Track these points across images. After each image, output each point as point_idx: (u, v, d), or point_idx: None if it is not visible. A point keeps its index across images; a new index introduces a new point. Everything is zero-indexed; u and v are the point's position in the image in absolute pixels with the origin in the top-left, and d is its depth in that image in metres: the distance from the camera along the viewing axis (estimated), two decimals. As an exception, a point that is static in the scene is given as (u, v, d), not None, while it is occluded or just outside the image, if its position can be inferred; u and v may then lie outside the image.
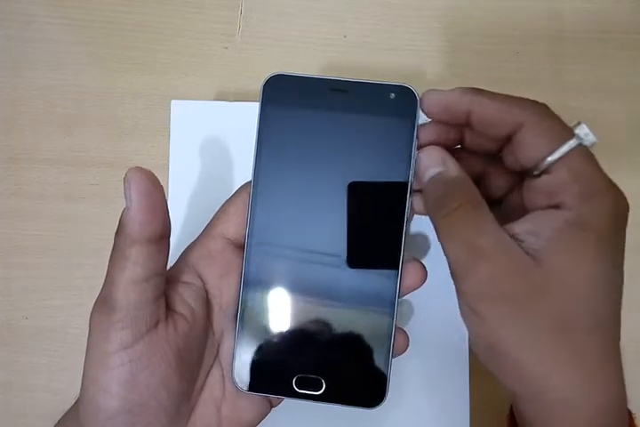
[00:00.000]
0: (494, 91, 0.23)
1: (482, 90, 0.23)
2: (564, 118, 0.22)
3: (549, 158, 0.22)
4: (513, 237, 0.22)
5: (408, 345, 0.26)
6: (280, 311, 0.26)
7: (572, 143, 0.22)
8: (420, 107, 0.24)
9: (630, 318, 0.34)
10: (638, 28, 0.35)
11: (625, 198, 0.22)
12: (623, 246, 0.22)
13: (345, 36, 0.36)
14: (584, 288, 0.21)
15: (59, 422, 0.26)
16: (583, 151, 0.22)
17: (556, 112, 0.23)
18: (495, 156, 0.25)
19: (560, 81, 0.35)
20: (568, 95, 0.35)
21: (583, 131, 0.22)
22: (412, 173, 0.25)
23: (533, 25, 0.36)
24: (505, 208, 0.26)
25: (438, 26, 0.36)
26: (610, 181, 0.22)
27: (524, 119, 0.22)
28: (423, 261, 0.26)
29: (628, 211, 0.22)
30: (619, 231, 0.22)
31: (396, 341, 0.25)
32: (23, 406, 0.34)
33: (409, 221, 0.26)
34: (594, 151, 0.22)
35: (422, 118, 0.25)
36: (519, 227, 0.22)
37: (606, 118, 0.35)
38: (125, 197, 0.22)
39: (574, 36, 0.35)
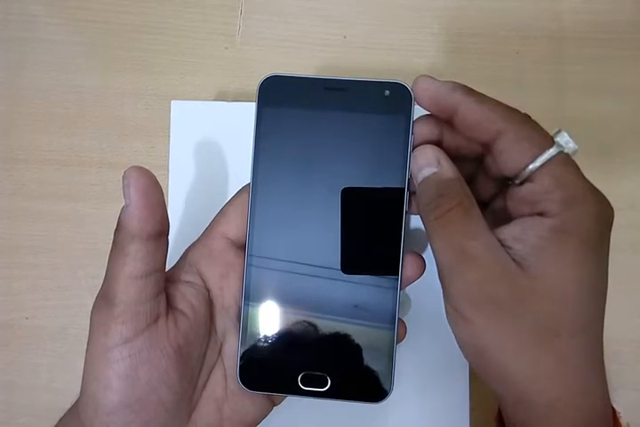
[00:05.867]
0: (494, 91, 0.24)
1: (472, 91, 0.23)
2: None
3: (530, 166, 0.22)
4: (500, 242, 0.22)
5: (405, 333, 0.27)
6: (283, 309, 0.26)
7: (552, 151, 0.22)
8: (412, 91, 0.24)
9: (630, 318, 0.34)
10: (638, 28, 0.35)
11: (609, 204, 0.22)
12: (607, 251, 0.22)
13: (345, 37, 0.36)
14: (569, 293, 0.21)
15: (59, 421, 0.26)
16: (564, 159, 0.22)
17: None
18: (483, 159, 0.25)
19: (560, 81, 0.35)
20: (568, 95, 0.35)
21: (564, 139, 0.22)
22: (408, 170, 0.25)
23: (533, 25, 0.36)
24: (492, 211, 0.26)
25: (438, 26, 0.36)
26: (592, 187, 0.22)
27: (504, 127, 0.22)
28: (422, 255, 0.26)
29: (612, 216, 0.22)
30: (603, 236, 0.22)
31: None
32: (23, 406, 0.34)
33: (407, 218, 0.26)
34: (584, 155, 0.22)
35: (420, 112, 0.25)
36: (505, 233, 0.22)
37: (606, 118, 0.35)
38: (124, 195, 0.22)
39: (574, 36, 0.35)
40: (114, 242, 0.23)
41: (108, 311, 0.22)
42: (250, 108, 0.26)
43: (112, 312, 0.22)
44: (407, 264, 0.26)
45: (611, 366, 0.32)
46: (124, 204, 0.22)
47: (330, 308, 0.25)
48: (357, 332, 0.25)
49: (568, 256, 0.21)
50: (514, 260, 0.22)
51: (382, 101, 0.25)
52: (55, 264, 0.35)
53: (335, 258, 0.25)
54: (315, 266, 0.26)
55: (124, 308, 0.22)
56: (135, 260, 0.22)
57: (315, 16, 0.36)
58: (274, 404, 0.27)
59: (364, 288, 0.25)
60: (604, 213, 0.22)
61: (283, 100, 0.25)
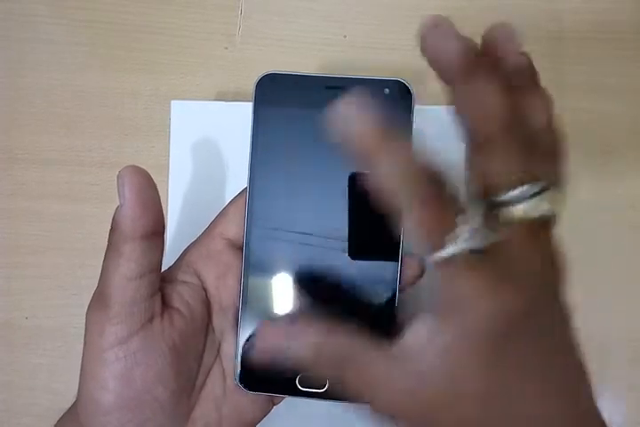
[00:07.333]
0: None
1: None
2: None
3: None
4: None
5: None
6: (280, 310, 0.26)
7: (449, 250, 0.18)
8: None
9: (630, 318, 0.34)
10: (638, 28, 0.35)
11: (513, 297, 0.18)
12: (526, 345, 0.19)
13: (345, 37, 0.36)
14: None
15: (58, 421, 0.27)
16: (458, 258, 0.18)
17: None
18: None
19: (560, 81, 0.35)
20: (568, 95, 0.35)
21: (463, 235, 0.17)
22: None
23: (533, 25, 0.35)
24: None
25: (438, 26, 0.36)
26: (485, 285, 0.18)
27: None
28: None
29: (522, 307, 0.18)
30: (506, 335, 0.18)
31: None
32: (23, 406, 0.34)
33: None
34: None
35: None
36: (402, 348, 0.20)
37: (606, 118, 0.35)
38: (119, 195, 0.22)
39: (574, 36, 0.35)
40: (108, 242, 0.23)
41: (102, 312, 0.22)
42: (250, 108, 0.26)
43: (107, 313, 0.22)
44: (407, 264, 0.26)
45: (610, 367, 0.32)
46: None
47: (327, 309, 0.25)
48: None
49: (469, 360, 0.18)
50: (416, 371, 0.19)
51: (382, 100, 0.25)
52: (55, 264, 0.35)
53: (333, 257, 0.25)
54: (314, 266, 0.26)
55: (119, 309, 0.22)
56: (129, 260, 0.22)
57: (314, 16, 0.36)
58: (273, 403, 0.27)
59: (362, 285, 0.25)
60: (500, 312, 0.18)
61: (280, 98, 0.25)
